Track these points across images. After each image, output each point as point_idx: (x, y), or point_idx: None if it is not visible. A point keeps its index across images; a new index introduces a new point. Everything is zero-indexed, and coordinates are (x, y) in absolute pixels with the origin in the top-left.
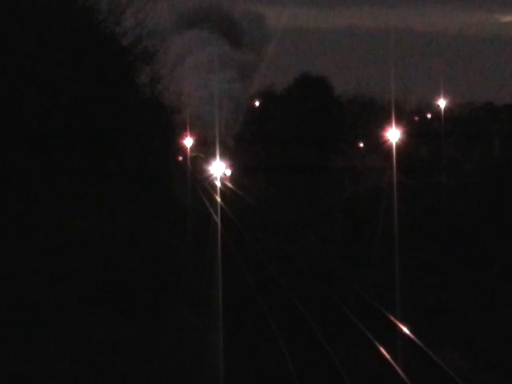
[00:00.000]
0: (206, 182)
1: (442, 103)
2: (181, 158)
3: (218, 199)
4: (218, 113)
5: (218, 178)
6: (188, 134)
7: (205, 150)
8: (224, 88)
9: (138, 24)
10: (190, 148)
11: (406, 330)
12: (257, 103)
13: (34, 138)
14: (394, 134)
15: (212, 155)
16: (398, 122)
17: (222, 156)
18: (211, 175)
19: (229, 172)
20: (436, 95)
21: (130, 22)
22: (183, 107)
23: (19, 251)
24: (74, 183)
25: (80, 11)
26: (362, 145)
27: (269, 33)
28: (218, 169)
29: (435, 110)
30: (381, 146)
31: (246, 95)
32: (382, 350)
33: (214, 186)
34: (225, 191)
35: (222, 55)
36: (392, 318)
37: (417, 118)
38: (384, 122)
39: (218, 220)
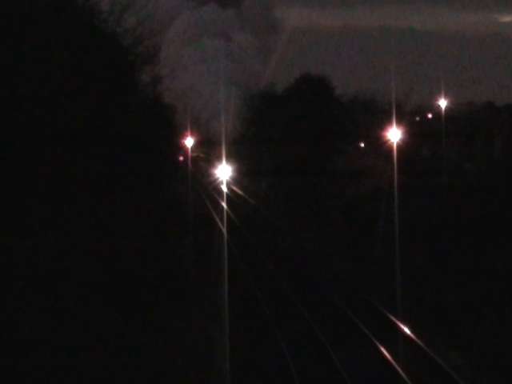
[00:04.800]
0: (211, 187)
1: (442, 103)
2: (182, 158)
3: (224, 205)
4: (223, 109)
5: (225, 183)
6: (189, 133)
7: (206, 151)
8: (237, 54)
9: (138, 24)
10: (191, 148)
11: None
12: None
13: (34, 138)
14: (394, 134)
15: (214, 155)
16: (399, 122)
17: (228, 158)
18: (217, 179)
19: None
20: (437, 95)
21: (130, 22)
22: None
23: (21, 252)
24: (74, 183)
25: (81, 11)
26: (362, 145)
27: (276, 24)
28: (224, 172)
29: (436, 110)
30: (382, 146)
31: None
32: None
33: (220, 191)
34: (231, 196)
35: (226, 22)
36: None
37: (417, 118)
38: (385, 122)
39: (224, 229)
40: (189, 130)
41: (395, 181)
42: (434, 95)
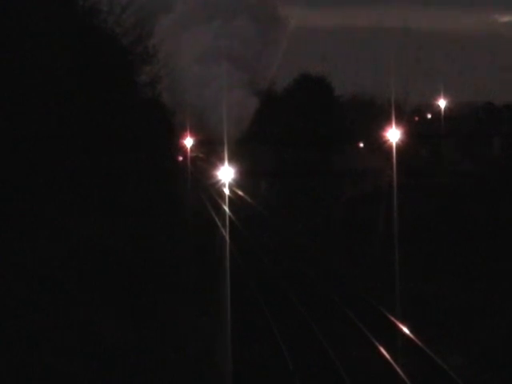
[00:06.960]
0: (213, 189)
1: (441, 103)
2: (181, 159)
3: (226, 208)
4: (225, 108)
5: (227, 185)
6: (188, 133)
7: (206, 151)
8: (237, 39)
9: (138, 24)
10: (190, 148)
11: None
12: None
13: (33, 138)
14: (393, 134)
15: (215, 156)
16: (398, 122)
17: (231, 159)
18: (219, 181)
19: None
20: (436, 95)
21: (130, 22)
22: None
23: (23, 250)
24: (72, 182)
25: (80, 11)
26: (362, 145)
27: (279, 22)
28: (227, 174)
29: (435, 110)
30: (381, 146)
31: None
32: None
33: (222, 194)
34: (232, 198)
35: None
36: None
37: (417, 118)
38: (384, 122)
39: (227, 235)
40: (188, 130)
41: (394, 181)
42: (434, 95)
